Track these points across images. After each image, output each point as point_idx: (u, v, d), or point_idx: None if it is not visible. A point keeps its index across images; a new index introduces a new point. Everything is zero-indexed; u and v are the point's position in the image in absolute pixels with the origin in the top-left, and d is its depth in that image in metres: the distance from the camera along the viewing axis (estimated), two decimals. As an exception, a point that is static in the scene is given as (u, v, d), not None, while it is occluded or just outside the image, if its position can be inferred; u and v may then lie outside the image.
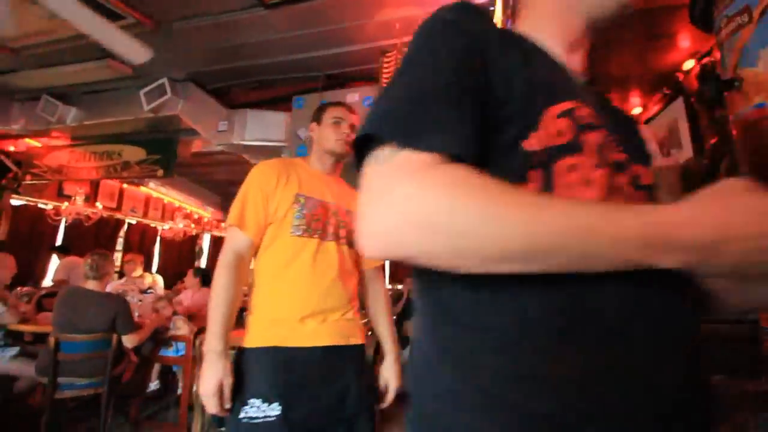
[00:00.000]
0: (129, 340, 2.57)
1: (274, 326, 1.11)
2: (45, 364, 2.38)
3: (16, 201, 5.04)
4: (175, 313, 3.20)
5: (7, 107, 4.03)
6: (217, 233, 9.17)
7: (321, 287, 1.16)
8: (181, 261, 7.95)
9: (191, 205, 7.61)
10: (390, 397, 1.27)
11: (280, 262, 1.16)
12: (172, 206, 7.61)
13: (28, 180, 4.63)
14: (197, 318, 3.62)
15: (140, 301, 3.71)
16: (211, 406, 1.01)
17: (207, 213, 8.07)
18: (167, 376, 3.45)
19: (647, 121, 2.28)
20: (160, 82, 3.30)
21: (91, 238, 6.11)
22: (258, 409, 1.01)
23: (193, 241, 8.35)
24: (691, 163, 1.92)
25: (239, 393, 1.04)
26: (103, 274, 2.58)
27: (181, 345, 3.06)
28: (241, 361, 1.08)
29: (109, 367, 2.49)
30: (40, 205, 5.43)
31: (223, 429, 2.16)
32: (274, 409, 1.01)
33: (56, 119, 3.77)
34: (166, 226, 7.30)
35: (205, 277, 4.05)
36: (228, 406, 1.02)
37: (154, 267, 7.36)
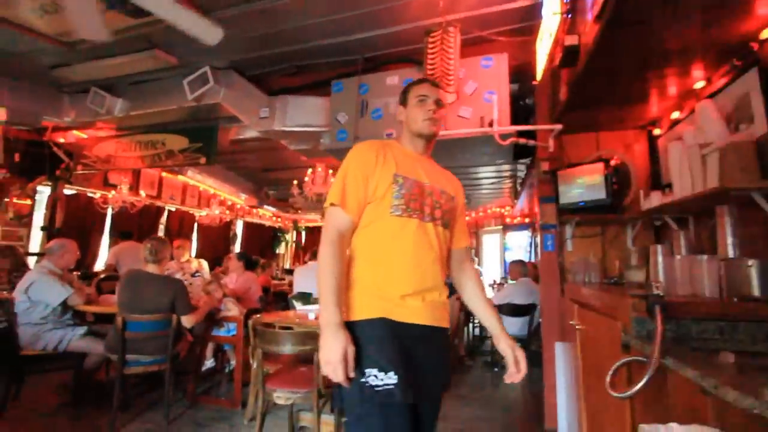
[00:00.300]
0: (187, 321, 2.71)
1: (380, 300, 1.14)
2: (114, 343, 2.54)
3: (68, 190, 5.32)
4: (225, 295, 3.34)
5: (58, 100, 4.22)
6: (249, 219, 9.42)
7: (421, 267, 1.18)
8: (217, 246, 8.23)
9: (225, 192, 7.82)
10: (522, 366, 1.26)
11: (382, 241, 1.17)
12: (208, 193, 7.85)
13: (79, 170, 4.86)
14: (244, 300, 3.77)
15: (189, 284, 3.88)
16: (338, 375, 1.03)
17: (240, 200, 8.28)
18: (217, 354, 3.62)
19: (711, 96, 2.16)
20: (202, 70, 3.37)
21: (135, 225, 6.40)
22: (376, 378, 1.05)
23: (227, 227, 8.62)
24: (765, 139, 1.83)
25: (358, 361, 1.08)
26: (161, 258, 2.72)
27: (232, 325, 3.20)
28: (353, 331, 1.10)
29: (171, 345, 2.64)
30: (89, 194, 5.71)
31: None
32: (391, 378, 1.05)
33: (105, 110, 3.92)
34: (203, 213, 7.54)
35: (248, 262, 4.18)
36: (352, 375, 1.05)
37: (193, 252, 7.66)
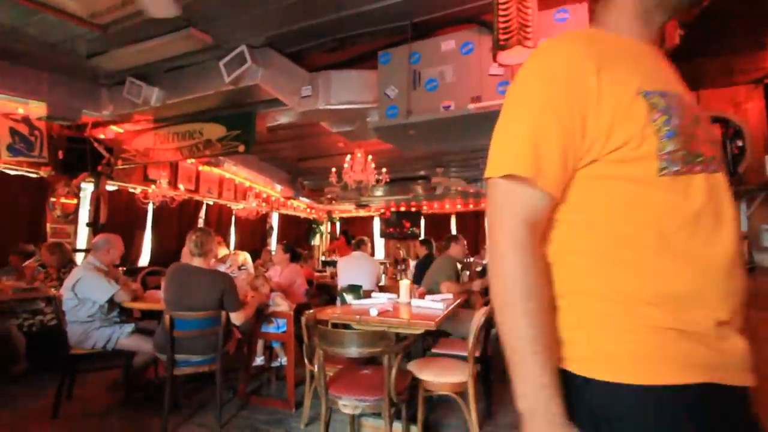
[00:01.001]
0: (236, 317, 2.51)
1: (681, 339, 0.58)
2: (162, 342, 2.38)
3: (110, 186, 5.33)
4: (272, 290, 3.14)
5: (96, 93, 4.14)
6: (284, 211, 9.33)
7: (724, 263, 0.61)
8: (254, 239, 8.19)
9: (260, 184, 7.72)
10: None
11: (641, 226, 0.61)
12: (244, 186, 7.78)
13: (119, 165, 4.82)
14: (290, 294, 3.57)
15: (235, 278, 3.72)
16: None
17: (276, 192, 8.16)
18: (266, 351, 3.45)
19: None
20: (238, 50, 3.13)
21: (176, 219, 6.40)
22: None
23: (263, 219, 8.55)
24: None
25: None
26: (206, 251, 2.52)
27: (282, 321, 3.00)
28: (608, 411, 0.57)
29: (221, 343, 2.45)
30: (130, 190, 5.72)
31: None
32: None
33: (141, 101, 3.79)
34: (240, 206, 7.48)
35: (294, 253, 3.98)
36: None
37: (231, 245, 7.64)
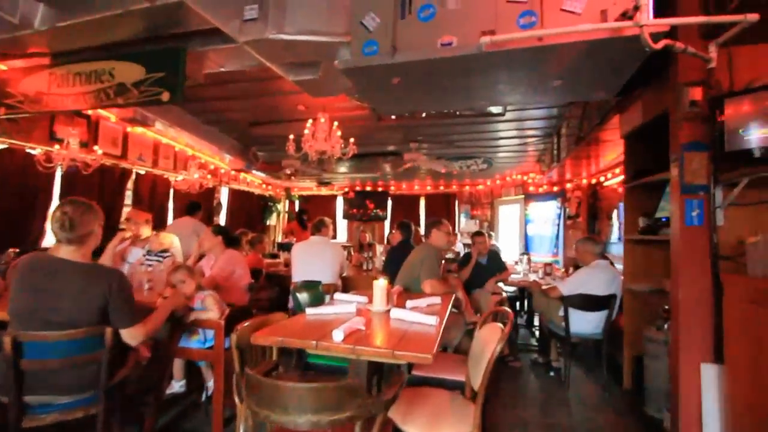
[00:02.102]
0: (131, 335, 1.67)
1: None
2: (1, 378, 1.51)
3: (-4, 143, 4.11)
4: (200, 287, 2.30)
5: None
6: (236, 186, 8.25)
7: None
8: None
9: (206, 153, 6.62)
10: None
11: None
12: (185, 155, 6.64)
13: (2, 114, 3.65)
14: (226, 289, 2.74)
15: (150, 266, 2.82)
16: None
17: (224, 163, 7.08)
18: (189, 373, 2.61)
19: None
20: (153, -52, 2.17)
21: (96, 190, 5.23)
22: None
23: (210, 195, 7.45)
24: None
25: None
26: (81, 236, 1.64)
27: (210, 333, 2.19)
28: None
29: (104, 376, 1.62)
30: (28, 150, 4.50)
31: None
32: None
33: (18, 20, 2.71)
34: (180, 177, 6.35)
35: (228, 237, 3.12)
36: None
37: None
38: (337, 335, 1.46)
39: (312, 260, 3.46)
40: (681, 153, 1.99)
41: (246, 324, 1.66)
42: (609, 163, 4.96)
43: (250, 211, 8.95)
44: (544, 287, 3.12)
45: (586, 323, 2.98)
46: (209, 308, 2.21)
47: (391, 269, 3.72)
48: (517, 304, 4.74)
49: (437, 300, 2.26)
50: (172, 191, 6.52)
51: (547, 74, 2.15)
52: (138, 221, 3.17)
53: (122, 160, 5.52)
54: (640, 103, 2.62)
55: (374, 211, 9.82)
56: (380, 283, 2.06)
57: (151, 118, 4.92)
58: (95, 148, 4.82)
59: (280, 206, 9.88)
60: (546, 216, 7.23)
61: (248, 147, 6.35)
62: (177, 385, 2.48)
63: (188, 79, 2.99)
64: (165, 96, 2.90)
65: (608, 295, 2.90)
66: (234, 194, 8.35)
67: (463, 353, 2.22)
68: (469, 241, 9.47)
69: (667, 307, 2.38)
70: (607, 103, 3.08)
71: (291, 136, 4.45)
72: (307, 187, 10.18)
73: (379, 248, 6.15)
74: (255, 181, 8.98)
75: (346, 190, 10.10)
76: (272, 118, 5.16)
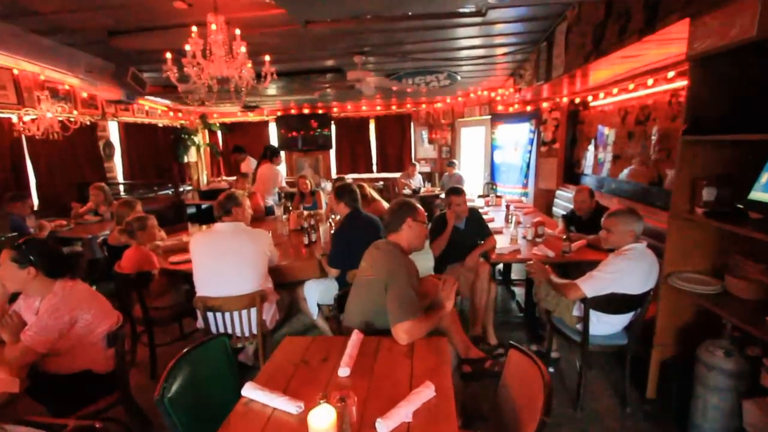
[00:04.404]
0: None
1: None
2: None
3: None
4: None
5: None
6: (128, 118, 6.26)
7: None
8: (78, 171, 5.30)
9: (63, 73, 4.62)
10: None
11: None
12: (37, 80, 4.61)
13: None
14: (61, 358, 1.56)
15: None
16: None
17: (111, 93, 5.05)
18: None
19: None
20: None
21: None
22: None
23: (91, 136, 5.54)
24: None
25: None
26: None
27: None
28: None
29: None
30: None
31: None
32: None
33: None
34: (28, 118, 4.43)
35: (57, 262, 1.82)
36: None
37: (34, 192, 4.77)
38: None
39: (220, 263, 2.28)
40: None
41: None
42: (608, 78, 3.91)
43: (157, 149, 7.09)
44: (555, 280, 2.25)
45: (608, 326, 2.22)
46: None
47: (339, 258, 2.65)
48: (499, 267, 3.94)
49: (427, 390, 1.27)
50: (23, 140, 4.60)
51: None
52: None
53: None
54: (737, 6, 1.52)
55: (318, 130, 8.24)
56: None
57: None
58: None
59: (198, 138, 8.02)
60: (516, 141, 6.27)
61: (123, 67, 4.44)
62: None
63: None
64: None
65: (644, 293, 2.10)
66: (128, 129, 6.40)
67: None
68: (428, 168, 8.52)
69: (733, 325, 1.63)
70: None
71: (168, 55, 2.84)
72: (229, 112, 8.26)
73: (325, 198, 4.95)
74: (157, 109, 6.98)
75: (279, 114, 8.35)
76: (141, 23, 3.37)
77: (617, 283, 2.06)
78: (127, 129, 6.38)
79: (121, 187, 6.05)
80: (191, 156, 7.94)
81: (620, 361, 2.43)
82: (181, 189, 6.84)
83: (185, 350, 1.41)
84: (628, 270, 2.05)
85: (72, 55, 3.99)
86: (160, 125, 7.13)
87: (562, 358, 2.79)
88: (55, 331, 1.67)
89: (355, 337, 1.57)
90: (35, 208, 4.70)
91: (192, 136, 7.80)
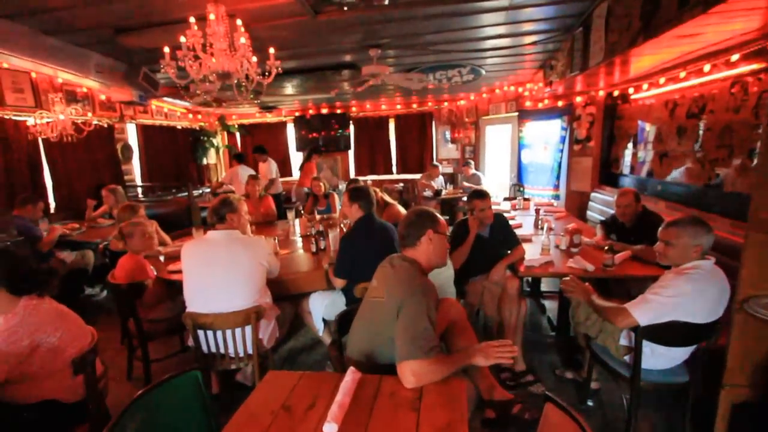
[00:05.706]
0: None
1: None
2: None
3: None
4: None
5: None
6: (146, 120, 6.24)
7: None
8: (96, 174, 5.27)
9: (73, 74, 4.57)
10: None
11: None
12: (54, 83, 4.60)
13: None
14: (25, 385, 1.34)
15: None
16: None
17: (123, 94, 5.01)
18: None
19: None
20: None
21: None
22: None
23: (108, 138, 5.52)
24: None
25: None
26: None
27: None
28: None
29: None
30: None
31: None
32: None
33: None
34: (40, 120, 4.40)
35: (24, 280, 1.62)
36: None
37: (51, 198, 4.75)
38: None
39: (210, 276, 2.04)
40: None
41: None
42: (654, 66, 3.44)
43: (176, 151, 7.07)
44: (597, 302, 1.87)
45: (665, 359, 1.83)
46: None
47: (346, 267, 2.38)
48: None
49: None
50: (40, 143, 4.58)
51: None
52: None
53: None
54: None
55: (339, 131, 8.04)
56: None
57: None
58: None
59: (217, 140, 7.97)
60: (546, 139, 5.81)
61: (135, 67, 4.34)
62: None
63: None
64: None
65: (712, 322, 1.71)
66: (147, 132, 6.38)
67: None
68: (449, 169, 8.12)
69: None
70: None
71: (166, 49, 2.65)
72: (248, 113, 8.18)
73: (339, 201, 4.70)
74: (176, 111, 6.95)
75: (297, 114, 8.19)
76: (146, 17, 3.22)
77: (678, 310, 1.67)
78: (145, 131, 6.36)
79: (139, 190, 6.02)
80: (210, 158, 7.90)
81: (678, 399, 2.02)
82: (200, 191, 6.77)
83: (141, 392, 1.16)
84: (693, 294, 1.66)
85: (81, 54, 3.90)
86: (179, 127, 7.10)
87: (603, 389, 2.39)
88: (12, 357, 1.46)
89: (350, 377, 1.28)
90: (52, 211, 4.69)
91: (211, 138, 7.75)
